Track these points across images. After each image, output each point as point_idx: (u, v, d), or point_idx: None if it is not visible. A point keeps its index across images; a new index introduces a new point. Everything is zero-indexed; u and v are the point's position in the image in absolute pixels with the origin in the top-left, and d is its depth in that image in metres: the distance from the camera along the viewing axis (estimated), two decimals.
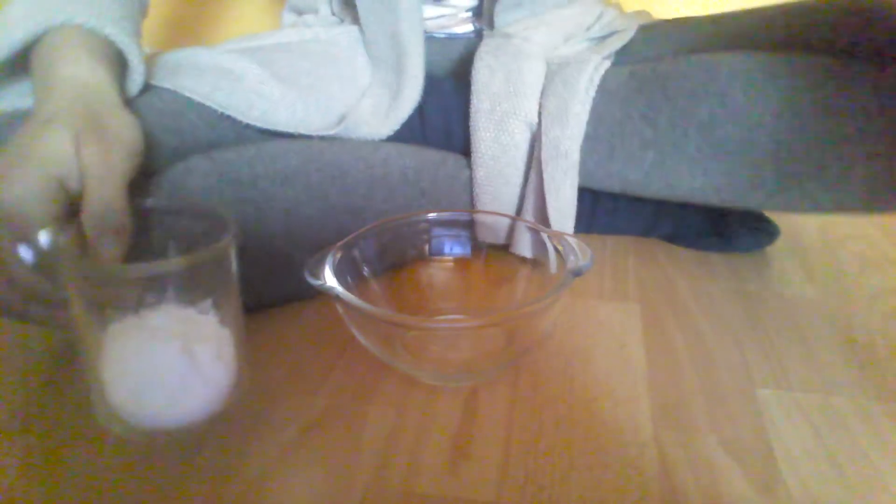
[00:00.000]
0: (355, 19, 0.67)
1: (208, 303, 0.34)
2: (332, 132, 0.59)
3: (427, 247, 0.53)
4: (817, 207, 0.50)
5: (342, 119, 0.62)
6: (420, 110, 0.64)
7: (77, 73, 0.42)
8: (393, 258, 0.51)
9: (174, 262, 0.32)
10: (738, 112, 0.49)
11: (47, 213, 0.36)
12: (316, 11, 0.71)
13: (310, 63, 0.63)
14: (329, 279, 0.41)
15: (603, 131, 0.54)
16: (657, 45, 0.64)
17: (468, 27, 0.70)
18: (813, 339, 0.49)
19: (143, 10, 0.55)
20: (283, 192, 0.49)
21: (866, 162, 0.47)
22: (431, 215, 0.52)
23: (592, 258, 0.42)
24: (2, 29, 0.44)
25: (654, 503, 0.35)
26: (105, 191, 0.37)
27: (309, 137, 0.58)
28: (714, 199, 0.53)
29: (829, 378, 0.45)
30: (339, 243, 0.45)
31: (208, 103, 0.53)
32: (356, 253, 0.47)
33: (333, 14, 0.71)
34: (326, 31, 0.67)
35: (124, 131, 0.41)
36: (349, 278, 0.45)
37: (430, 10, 0.68)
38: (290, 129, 0.58)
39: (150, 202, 0.40)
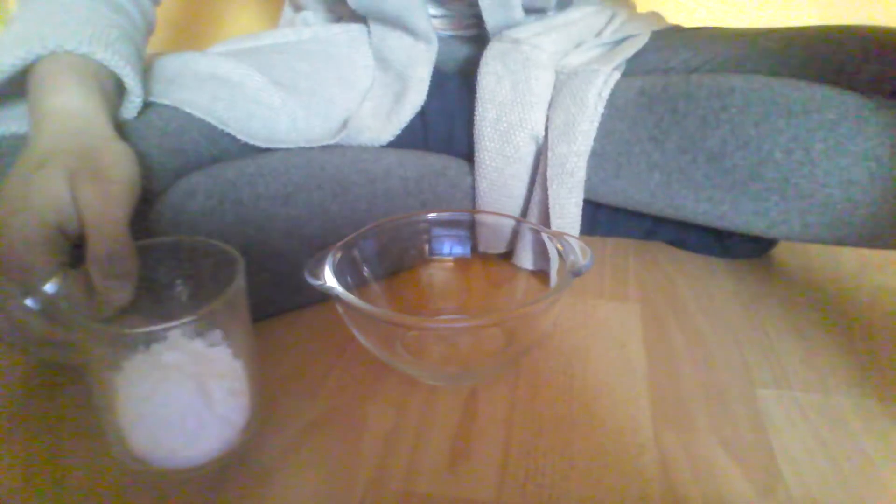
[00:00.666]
0: (352, 17, 0.67)
1: (218, 334, 0.34)
2: (333, 140, 0.59)
3: (427, 247, 0.53)
4: (817, 240, 0.50)
5: (344, 125, 0.61)
6: (422, 113, 0.63)
7: (67, 104, 0.41)
8: (393, 258, 0.51)
9: (186, 320, 0.31)
10: (748, 144, 0.48)
11: (49, 262, 0.35)
12: (313, 9, 0.71)
13: (308, 65, 0.62)
14: (329, 279, 0.41)
15: (610, 149, 0.54)
16: (669, 56, 0.63)
17: (472, 32, 0.69)
18: (813, 339, 0.49)
19: (148, 30, 0.54)
20: (284, 212, 0.49)
21: (872, 205, 0.46)
22: (431, 215, 0.52)
23: (592, 258, 0.42)
24: None
25: (654, 503, 0.35)
26: (107, 236, 0.35)
27: (310, 147, 0.58)
28: (717, 224, 0.53)
29: (829, 378, 0.45)
30: (339, 243, 0.45)
31: (209, 119, 0.52)
32: (356, 253, 0.47)
33: (329, 11, 0.70)
34: (325, 30, 0.66)
35: (120, 165, 0.39)
36: (349, 278, 0.45)
37: (430, 10, 0.67)
38: (292, 144, 0.57)
39: (156, 242, 0.39)
